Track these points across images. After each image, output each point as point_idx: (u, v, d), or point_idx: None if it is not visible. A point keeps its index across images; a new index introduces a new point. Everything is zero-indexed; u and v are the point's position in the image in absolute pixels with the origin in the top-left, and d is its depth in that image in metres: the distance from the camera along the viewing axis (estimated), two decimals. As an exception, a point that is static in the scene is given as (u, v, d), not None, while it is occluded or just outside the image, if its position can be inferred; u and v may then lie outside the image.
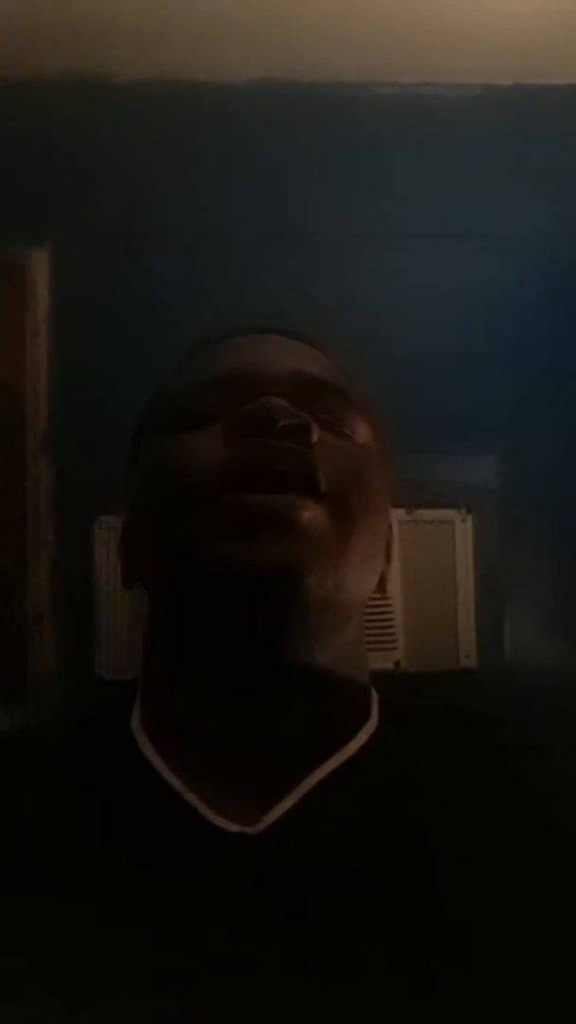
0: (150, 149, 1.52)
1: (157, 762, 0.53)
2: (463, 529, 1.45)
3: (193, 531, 0.51)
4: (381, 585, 0.60)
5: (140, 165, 1.52)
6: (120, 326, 1.47)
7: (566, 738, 0.60)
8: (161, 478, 0.55)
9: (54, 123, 1.51)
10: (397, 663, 1.39)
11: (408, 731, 0.57)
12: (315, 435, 0.52)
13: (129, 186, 1.51)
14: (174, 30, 1.44)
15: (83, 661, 1.39)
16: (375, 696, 0.59)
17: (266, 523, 0.49)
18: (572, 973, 0.47)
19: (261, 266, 1.48)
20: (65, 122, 1.51)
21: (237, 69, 1.50)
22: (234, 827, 0.50)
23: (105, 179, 1.50)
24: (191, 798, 0.51)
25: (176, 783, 0.52)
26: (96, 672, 1.38)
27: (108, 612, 1.38)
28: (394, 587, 1.39)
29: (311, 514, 0.50)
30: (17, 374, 1.45)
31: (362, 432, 0.58)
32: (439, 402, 1.46)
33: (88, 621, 1.39)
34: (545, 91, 1.56)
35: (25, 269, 1.49)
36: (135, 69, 1.50)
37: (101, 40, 1.46)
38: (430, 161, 1.54)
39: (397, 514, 1.41)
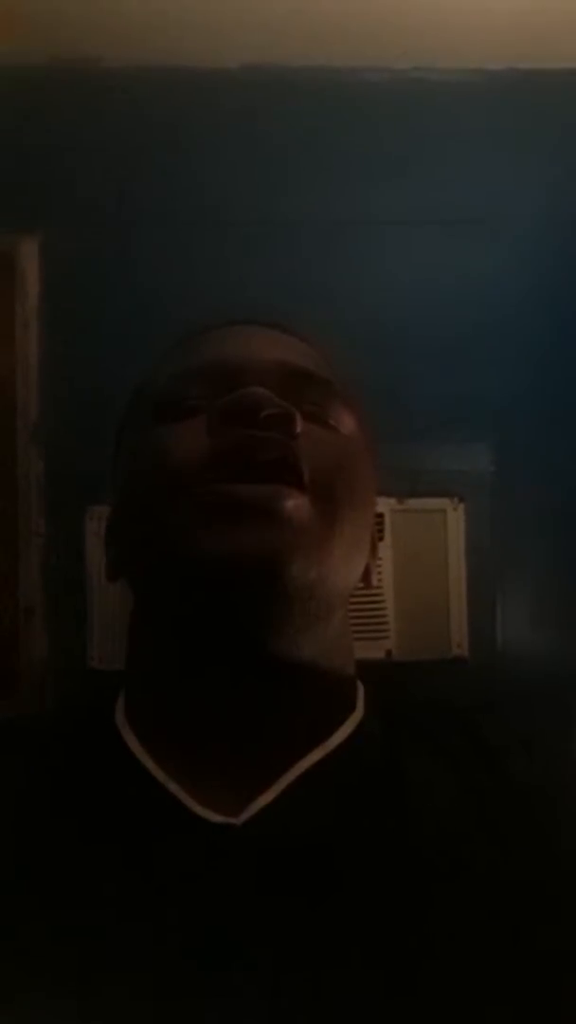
0: (140, 135, 1.51)
1: (141, 753, 0.53)
2: (455, 518, 1.45)
3: (176, 521, 0.51)
4: (366, 577, 0.59)
5: (130, 152, 1.51)
6: (111, 315, 1.46)
7: (553, 730, 0.60)
8: (145, 469, 0.55)
9: (43, 109, 1.50)
10: (389, 652, 1.39)
11: (393, 724, 0.57)
12: (299, 425, 0.52)
13: (119, 173, 1.50)
14: (164, 15, 1.43)
15: (75, 651, 1.39)
16: (361, 688, 0.59)
17: (249, 512, 0.49)
18: (557, 964, 0.47)
19: (252, 253, 1.47)
20: (54, 108, 1.50)
21: (228, 55, 1.49)
22: (218, 818, 0.50)
23: (95, 166, 1.49)
24: (175, 789, 0.51)
25: (160, 774, 0.52)
26: (88, 662, 1.38)
27: (100, 602, 1.38)
28: (386, 576, 1.39)
29: (294, 503, 0.50)
30: (7, 365, 1.45)
31: (347, 424, 0.58)
32: (431, 390, 1.45)
33: (80, 611, 1.39)
34: (538, 75, 1.55)
35: (15, 258, 1.48)
36: (125, 55, 1.49)
37: (90, 25, 1.44)
38: (422, 147, 1.53)
39: (389, 503, 1.41)
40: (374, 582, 0.60)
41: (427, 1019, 0.45)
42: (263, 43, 1.47)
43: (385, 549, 1.39)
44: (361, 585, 0.59)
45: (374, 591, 1.30)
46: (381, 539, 1.37)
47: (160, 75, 1.50)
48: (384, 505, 1.40)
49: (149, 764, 0.53)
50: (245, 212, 1.50)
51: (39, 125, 1.49)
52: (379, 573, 1.36)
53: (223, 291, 1.41)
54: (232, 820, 0.50)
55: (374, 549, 0.61)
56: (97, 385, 1.33)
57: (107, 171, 1.49)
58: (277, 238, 1.48)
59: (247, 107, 1.51)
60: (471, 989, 0.46)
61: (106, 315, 1.46)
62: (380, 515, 1.38)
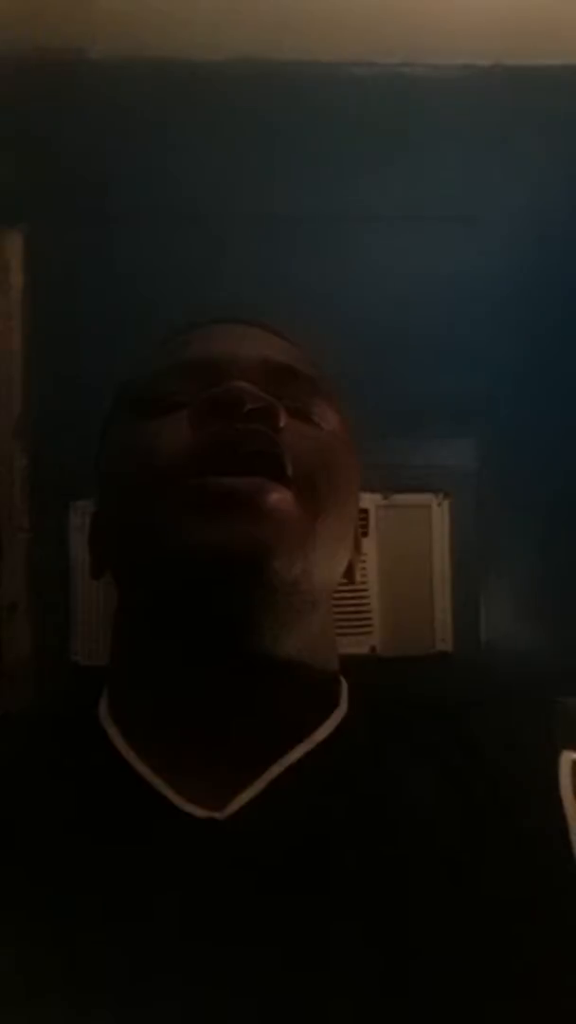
0: (125, 128, 1.50)
1: (125, 749, 0.53)
2: (440, 513, 1.46)
3: (160, 515, 0.51)
4: (349, 574, 0.60)
5: (115, 145, 1.50)
6: (95, 308, 1.45)
7: (536, 724, 0.60)
8: (129, 464, 0.55)
9: (27, 101, 1.49)
10: (373, 648, 1.39)
11: (377, 719, 0.58)
12: (282, 419, 0.52)
13: (104, 166, 1.49)
14: (150, 8, 1.42)
15: (59, 647, 1.39)
16: (344, 684, 0.59)
17: (232, 505, 0.49)
18: (540, 958, 0.47)
19: (236, 247, 1.47)
20: (38, 100, 1.49)
21: (213, 48, 1.48)
22: (202, 812, 0.50)
23: (80, 159, 1.48)
24: (159, 784, 0.51)
25: (144, 769, 0.52)
26: (72, 658, 1.38)
27: (83, 597, 1.37)
28: (370, 572, 1.39)
29: (278, 496, 0.50)
30: (-10, 358, 1.44)
31: (330, 420, 0.58)
32: (416, 386, 1.46)
33: (63, 607, 1.38)
34: (526, 71, 1.55)
35: (-1, 251, 1.47)
36: (110, 47, 1.48)
37: (75, 17, 1.43)
38: (408, 142, 1.53)
39: (374, 499, 1.42)
40: (357, 579, 0.60)
41: (414, 1013, 0.45)
42: (250, 37, 1.47)
43: (370, 545, 1.40)
44: (344, 581, 0.59)
45: (358, 587, 1.30)
46: (366, 535, 1.37)
47: (146, 68, 1.49)
48: (369, 501, 1.40)
49: (133, 760, 0.53)
50: (230, 207, 1.49)
51: (24, 117, 1.48)
52: (364, 569, 1.37)
53: (208, 285, 1.41)
54: (216, 815, 0.50)
55: (357, 545, 0.62)
56: (81, 379, 1.33)
57: (92, 164, 1.48)
58: (260, 233, 1.48)
59: (233, 101, 1.51)
60: (456, 982, 0.46)
61: (90, 308, 1.46)
62: (365, 511, 1.38)
